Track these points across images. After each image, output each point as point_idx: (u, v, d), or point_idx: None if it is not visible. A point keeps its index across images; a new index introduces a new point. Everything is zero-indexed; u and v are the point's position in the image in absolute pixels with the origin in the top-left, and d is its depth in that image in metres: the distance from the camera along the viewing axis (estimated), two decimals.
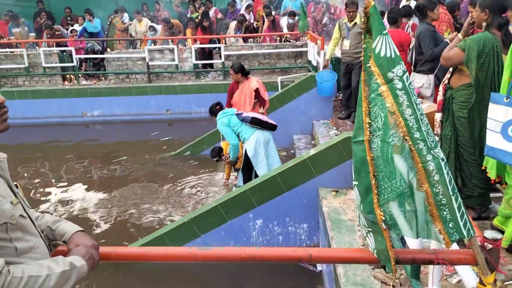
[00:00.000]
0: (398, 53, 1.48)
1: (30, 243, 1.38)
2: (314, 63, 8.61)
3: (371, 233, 1.61)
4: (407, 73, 1.50)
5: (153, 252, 1.73)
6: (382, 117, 1.50)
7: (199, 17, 10.53)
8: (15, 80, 10.28)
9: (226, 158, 5.84)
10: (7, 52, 10.24)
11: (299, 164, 4.58)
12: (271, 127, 5.46)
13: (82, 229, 1.60)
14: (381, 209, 1.56)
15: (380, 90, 1.49)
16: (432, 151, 1.51)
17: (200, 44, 10.20)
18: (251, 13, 10.70)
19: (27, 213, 1.42)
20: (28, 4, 13.03)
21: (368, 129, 1.54)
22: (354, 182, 1.65)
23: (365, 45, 1.51)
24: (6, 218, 1.29)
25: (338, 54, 7.93)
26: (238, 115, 5.44)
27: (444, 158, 1.55)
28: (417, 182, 1.54)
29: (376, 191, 1.55)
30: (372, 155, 1.54)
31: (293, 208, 4.67)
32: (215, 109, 5.76)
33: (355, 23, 6.26)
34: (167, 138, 8.87)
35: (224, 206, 4.62)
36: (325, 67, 7.27)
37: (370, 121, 1.53)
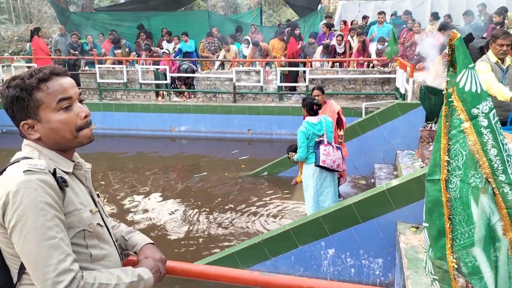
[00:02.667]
0: (484, 89, 1.39)
1: (104, 251, 1.47)
2: (402, 91, 8.31)
3: (436, 282, 1.49)
4: (494, 110, 1.39)
5: (216, 272, 1.77)
6: (463, 155, 1.41)
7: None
8: (114, 94, 11.23)
9: (291, 155, 5.77)
10: (109, 68, 11.23)
11: (377, 195, 4.41)
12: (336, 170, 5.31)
13: (152, 242, 1.68)
14: (454, 256, 1.45)
15: (463, 127, 1.40)
16: None
17: (287, 66, 10.38)
18: (342, 43, 10.62)
19: (104, 222, 1.52)
20: (132, 24, 14.25)
21: (446, 167, 1.45)
22: (425, 224, 1.56)
23: (448, 78, 1.43)
24: (85, 226, 1.40)
25: (428, 82, 7.59)
26: (318, 142, 5.31)
27: None
28: (501, 229, 1.41)
29: (450, 236, 1.44)
30: (448, 196, 1.45)
31: (368, 240, 4.49)
32: (309, 104, 5.39)
33: (510, 65, 4.46)
34: (245, 157, 9.06)
35: (296, 231, 4.57)
36: None
37: (449, 159, 1.44)
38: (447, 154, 1.45)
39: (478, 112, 1.38)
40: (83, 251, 1.39)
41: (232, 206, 6.86)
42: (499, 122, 1.42)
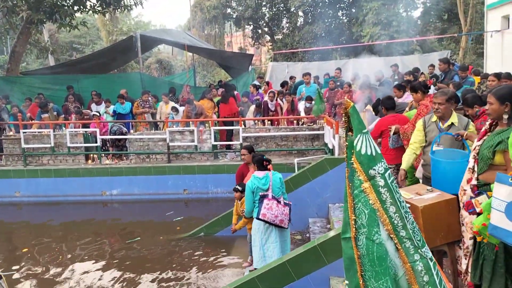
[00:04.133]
0: (379, 151, 1.51)
1: None
2: (330, 146, 8.69)
3: None
4: (389, 171, 1.51)
5: None
6: (366, 213, 1.50)
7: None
8: (40, 159, 10.70)
9: (242, 211, 5.91)
10: (35, 132, 10.77)
11: (309, 250, 4.47)
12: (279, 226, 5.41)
13: None
14: None
15: (363, 187, 1.50)
16: (419, 250, 1.47)
17: (220, 125, 10.55)
18: (273, 100, 11.05)
19: None
20: (60, 88, 13.92)
21: (354, 226, 1.52)
22: (345, 282, 1.61)
23: (347, 143, 1.55)
24: None
25: None
26: (262, 196, 5.38)
27: (433, 258, 1.50)
28: (406, 283, 1.48)
29: None
30: (358, 253, 1.51)
31: None
32: (259, 160, 5.57)
33: (452, 124, 4.05)
34: (180, 218, 8.85)
35: None
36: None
37: (355, 217, 1.52)
38: (353, 213, 1.53)
39: (375, 173, 1.49)
40: None
41: (167, 271, 6.58)
42: (394, 181, 1.53)
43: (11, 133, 11.10)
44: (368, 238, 1.49)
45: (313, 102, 10.20)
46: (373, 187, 1.48)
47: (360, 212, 1.51)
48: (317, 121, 10.27)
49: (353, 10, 23.90)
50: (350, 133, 1.52)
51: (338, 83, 11.74)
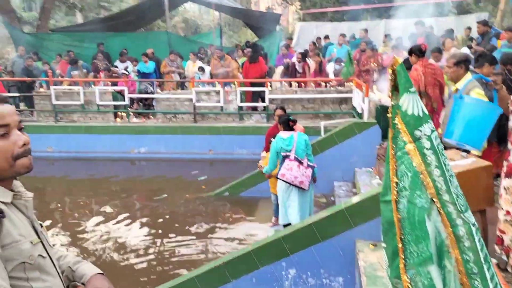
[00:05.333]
0: (426, 112, 1.44)
1: (47, 283, 1.40)
2: (359, 110, 8.53)
3: None
4: (436, 132, 1.44)
5: None
6: (408, 176, 1.44)
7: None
8: (70, 115, 10.91)
9: (260, 167, 6.07)
10: (65, 89, 10.92)
11: (336, 214, 4.46)
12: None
13: (101, 272, 1.61)
14: (408, 275, 1.47)
15: (407, 149, 1.44)
16: (462, 215, 1.42)
17: (246, 86, 10.44)
18: (301, 62, 10.81)
19: (47, 253, 1.45)
20: (89, 45, 13.98)
21: (395, 188, 1.48)
22: (383, 245, 1.58)
23: (392, 102, 1.48)
24: (24, 258, 1.33)
25: (384, 101, 7.83)
26: (284, 156, 5.40)
27: (476, 224, 1.45)
28: (446, 248, 1.44)
29: (402, 256, 1.47)
30: (399, 216, 1.47)
31: (328, 259, 4.51)
32: (285, 120, 5.54)
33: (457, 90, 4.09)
34: (204, 177, 8.97)
35: (256, 252, 4.54)
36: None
37: (397, 180, 1.47)
38: (395, 175, 1.49)
39: (421, 134, 1.42)
40: (23, 285, 1.33)
41: (193, 229, 6.74)
42: (441, 144, 1.47)
43: (41, 89, 11.29)
44: (410, 201, 1.44)
45: (342, 63, 9.96)
46: (418, 149, 1.42)
47: (402, 175, 1.45)
48: (346, 83, 10.06)
49: None
50: (396, 92, 1.45)
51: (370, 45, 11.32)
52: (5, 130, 1.35)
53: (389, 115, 1.50)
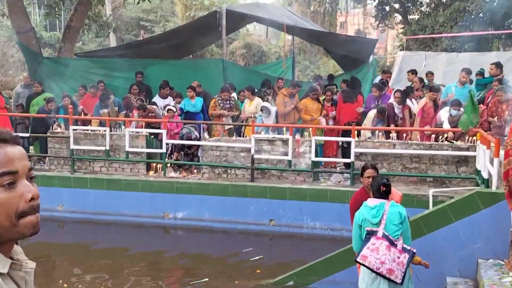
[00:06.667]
0: None
1: None
2: (485, 175, 8.25)
3: None
4: None
5: None
6: None
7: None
8: (91, 165, 11.45)
9: None
10: (87, 130, 11.49)
11: None
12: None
13: None
14: None
15: None
16: None
17: (325, 135, 10.53)
18: (400, 105, 10.78)
19: None
20: (121, 75, 14.79)
21: None
22: None
23: None
24: None
25: None
26: (369, 232, 5.30)
27: None
28: None
29: None
30: None
31: None
32: (377, 184, 5.48)
33: None
34: (259, 257, 8.90)
35: None
36: None
37: None
38: None
39: None
40: None
41: None
42: None
43: (59, 129, 11.79)
44: None
45: (461, 109, 9.78)
46: None
47: None
48: (467, 137, 9.82)
49: None
50: None
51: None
52: (12, 178, 1.38)
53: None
